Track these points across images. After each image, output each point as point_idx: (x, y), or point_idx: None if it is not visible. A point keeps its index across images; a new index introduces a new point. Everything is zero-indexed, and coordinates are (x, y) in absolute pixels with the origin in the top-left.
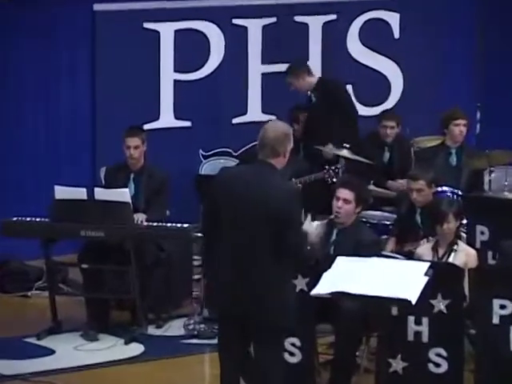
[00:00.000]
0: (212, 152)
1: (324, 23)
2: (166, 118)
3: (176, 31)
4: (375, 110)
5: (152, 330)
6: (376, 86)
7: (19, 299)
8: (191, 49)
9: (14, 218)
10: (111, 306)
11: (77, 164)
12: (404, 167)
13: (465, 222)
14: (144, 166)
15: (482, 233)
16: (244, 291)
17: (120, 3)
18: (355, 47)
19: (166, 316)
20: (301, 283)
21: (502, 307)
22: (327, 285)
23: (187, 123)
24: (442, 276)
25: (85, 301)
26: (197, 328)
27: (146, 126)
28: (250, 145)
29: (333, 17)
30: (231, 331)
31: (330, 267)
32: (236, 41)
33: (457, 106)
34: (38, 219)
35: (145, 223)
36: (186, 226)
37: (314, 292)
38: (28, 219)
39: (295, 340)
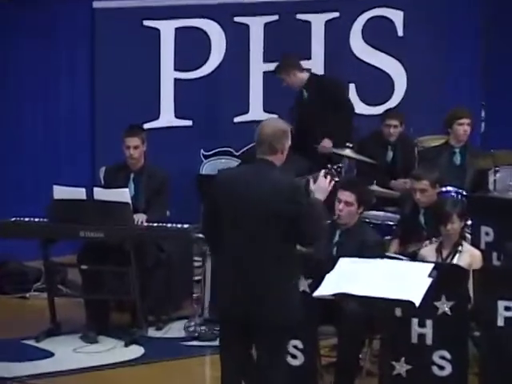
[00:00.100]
0: (213, 151)
1: (326, 21)
2: (167, 117)
3: (176, 29)
4: (378, 109)
5: (152, 332)
6: (379, 85)
7: (17, 301)
8: (192, 47)
9: (13, 219)
10: (111, 308)
11: (76, 164)
12: (407, 167)
13: (469, 222)
14: (144, 165)
15: (487, 234)
16: (244, 291)
17: (120, 1)
18: (358, 45)
19: (167, 318)
20: (303, 284)
21: (507, 309)
22: (330, 286)
23: (188, 122)
24: (446, 277)
25: (84, 302)
26: (197, 330)
27: (146, 125)
28: (252, 144)
29: (335, 14)
30: (232, 333)
31: (332, 268)
32: (237, 39)
33: (461, 105)
34: (36, 219)
35: (145, 224)
36: (186, 226)
37: (316, 293)
38: (26, 219)
39: (297, 342)
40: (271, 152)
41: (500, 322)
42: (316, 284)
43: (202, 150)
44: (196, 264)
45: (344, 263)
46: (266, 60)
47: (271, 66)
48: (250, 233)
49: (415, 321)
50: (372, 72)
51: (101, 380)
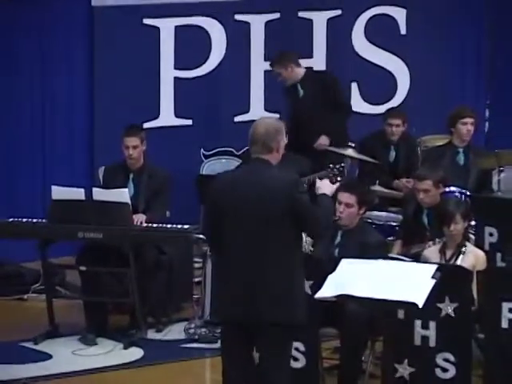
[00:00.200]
0: (213, 151)
1: (328, 19)
2: (166, 117)
3: (176, 27)
4: (381, 108)
5: (152, 334)
6: (382, 84)
7: (15, 302)
8: (192, 45)
9: (10, 219)
10: (110, 310)
11: (74, 164)
12: (410, 167)
13: (473, 223)
14: (144, 165)
15: (491, 234)
16: (245, 291)
17: None
18: (360, 43)
19: (166, 320)
20: (305, 286)
21: None
22: (332, 288)
23: (188, 121)
24: (449, 279)
25: (83, 304)
26: (197, 332)
27: (146, 125)
28: None
29: (337, 12)
30: (234, 334)
31: (334, 270)
32: (238, 37)
33: (465, 104)
34: (34, 220)
35: (144, 224)
36: (186, 227)
37: (318, 295)
38: (24, 220)
39: (299, 344)
40: (266, 151)
41: (504, 324)
42: (318, 285)
43: (202, 150)
44: (196, 265)
45: (346, 264)
46: (267, 58)
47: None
48: (251, 233)
49: (418, 323)
50: (374, 70)
51: (99, 383)
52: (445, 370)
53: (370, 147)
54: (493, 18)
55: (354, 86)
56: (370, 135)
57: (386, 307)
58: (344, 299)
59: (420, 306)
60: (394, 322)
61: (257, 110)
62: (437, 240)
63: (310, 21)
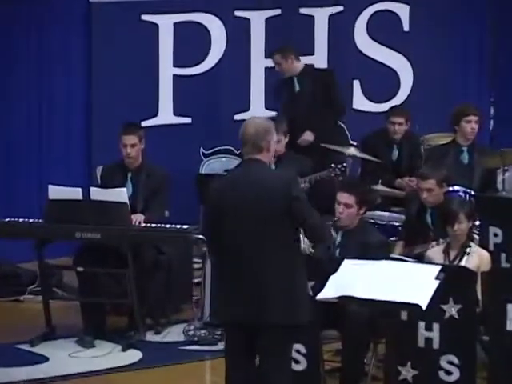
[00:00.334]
0: (213, 150)
1: (330, 15)
2: (165, 115)
3: (175, 24)
4: (384, 106)
5: (150, 336)
6: (384, 81)
7: (11, 304)
8: (191, 42)
9: (7, 219)
10: (108, 311)
11: (72, 163)
12: (413, 165)
13: (477, 223)
14: (142, 164)
15: (496, 234)
16: (245, 292)
17: None
18: (363, 40)
19: (165, 321)
20: None
21: None
22: (334, 289)
23: (187, 120)
24: (453, 280)
25: (80, 306)
26: (197, 334)
27: (144, 123)
28: None
29: (339, 8)
30: (236, 336)
31: (336, 270)
32: (238, 34)
33: (469, 102)
34: (31, 220)
35: (143, 224)
36: (185, 227)
37: (319, 296)
38: (21, 220)
39: (300, 347)
40: (257, 151)
41: (509, 326)
42: (319, 286)
43: (201, 149)
44: (196, 266)
45: (348, 265)
46: (268, 56)
47: (272, 62)
48: (250, 233)
49: (422, 324)
50: (377, 68)
51: None
52: (449, 373)
53: (373, 146)
54: (495, 14)
55: (356, 84)
56: (373, 133)
57: (388, 309)
58: (346, 300)
59: (423, 307)
60: (396, 324)
61: (257, 108)
62: (440, 240)
63: (312, 17)
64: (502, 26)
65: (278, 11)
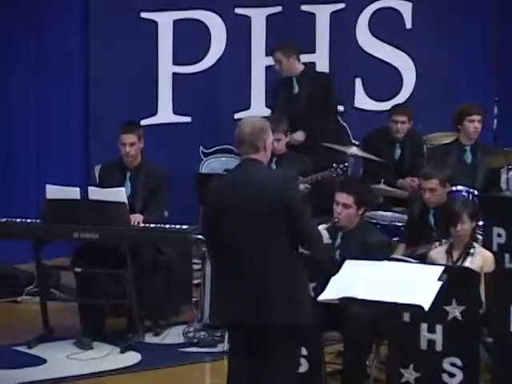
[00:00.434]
0: (213, 149)
1: (332, 12)
2: (164, 114)
3: (175, 21)
4: (386, 105)
5: (149, 338)
6: (387, 79)
7: (8, 305)
8: (191, 40)
9: (3, 219)
10: (106, 313)
11: (69, 162)
12: (415, 165)
13: (481, 223)
14: (141, 163)
15: (499, 235)
16: (245, 292)
17: None
18: (365, 38)
19: (164, 323)
20: None
21: None
22: (335, 290)
23: (187, 119)
24: (456, 281)
25: (78, 307)
26: (197, 336)
27: (143, 122)
28: None
29: (341, 6)
30: (235, 337)
31: (337, 271)
32: (239, 31)
33: (472, 101)
34: (28, 220)
35: (141, 224)
36: (185, 227)
37: (321, 297)
38: (18, 220)
39: (301, 349)
40: (253, 151)
41: None
42: (320, 288)
43: (201, 148)
44: (195, 267)
45: (350, 266)
46: (269, 54)
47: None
48: (250, 232)
49: (424, 326)
50: (379, 66)
51: None
52: (452, 375)
53: (375, 144)
54: (499, 12)
55: (358, 82)
56: (375, 132)
57: (391, 310)
58: (347, 302)
59: (426, 308)
60: (399, 326)
61: (258, 107)
62: (443, 241)
63: (313, 14)
64: (506, 23)
65: (278, 8)
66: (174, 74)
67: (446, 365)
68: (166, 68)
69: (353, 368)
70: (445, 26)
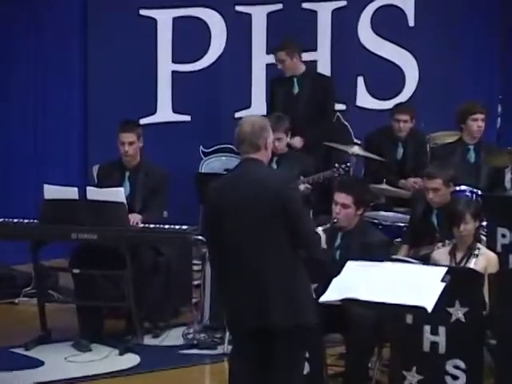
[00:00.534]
0: (213, 148)
1: (333, 10)
2: (164, 112)
3: (174, 19)
4: (388, 104)
5: (148, 340)
6: (389, 78)
7: (6, 307)
8: (191, 38)
9: (1, 220)
10: (105, 314)
11: (68, 161)
12: (418, 164)
13: (485, 223)
14: (140, 163)
15: (504, 235)
16: (246, 293)
17: None
18: (367, 36)
19: (164, 324)
20: None
21: None
22: (337, 291)
23: (186, 117)
24: (460, 282)
25: (76, 308)
26: (197, 337)
27: (142, 121)
28: None
29: (343, 3)
30: (239, 340)
31: (339, 272)
32: (239, 29)
33: (476, 99)
34: (26, 221)
35: (140, 225)
36: (185, 227)
37: (322, 299)
38: (15, 221)
39: None
40: (254, 150)
41: None
42: (322, 289)
43: (201, 147)
44: (195, 268)
45: (352, 267)
46: (269, 52)
47: (274, 58)
48: (250, 232)
49: (427, 328)
50: (381, 64)
51: None
52: (455, 378)
53: (377, 143)
54: (505, 9)
55: (360, 80)
56: (377, 131)
57: (393, 312)
58: (349, 303)
59: (429, 310)
60: (401, 327)
61: (258, 106)
62: (446, 241)
63: (314, 12)
64: (511, 21)
65: (279, 6)
66: (173, 72)
67: (449, 367)
68: (166, 66)
69: (355, 370)
70: (448, 24)
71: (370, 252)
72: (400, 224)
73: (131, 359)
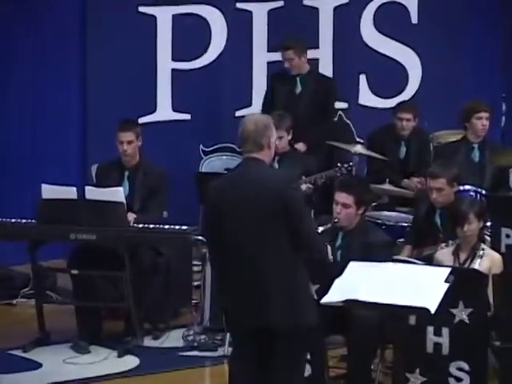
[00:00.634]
0: (213, 147)
1: (335, 7)
2: (164, 111)
3: (174, 16)
4: (391, 102)
5: (148, 342)
6: (392, 76)
7: (3, 308)
8: (191, 35)
9: None
10: (104, 316)
11: (66, 161)
12: (421, 164)
13: (489, 224)
14: (139, 162)
15: (508, 236)
16: (246, 293)
17: None
18: (369, 33)
19: (164, 326)
20: None
21: None
22: (339, 292)
23: (186, 116)
24: (463, 283)
25: (75, 310)
26: (197, 339)
27: (142, 119)
28: None
29: (345, 0)
30: (239, 341)
31: (341, 273)
32: (240, 26)
33: (480, 98)
34: (23, 221)
35: (140, 225)
36: (185, 228)
37: (324, 300)
38: (13, 220)
39: None
40: (258, 149)
41: None
42: (323, 290)
43: (201, 146)
44: (195, 268)
45: (354, 267)
46: (270, 49)
47: (276, 56)
48: (250, 232)
49: (430, 329)
50: (384, 62)
51: None
52: (459, 380)
53: (379, 142)
54: (508, 6)
55: (363, 78)
56: (379, 129)
57: (396, 313)
58: (351, 304)
59: (432, 311)
60: (404, 329)
61: (259, 104)
62: (450, 242)
63: (316, 9)
64: None
65: (280, 3)
66: (173, 70)
67: (452, 369)
68: (165, 64)
69: (357, 372)
70: (452, 21)
71: (372, 252)
72: (403, 224)
73: (130, 361)
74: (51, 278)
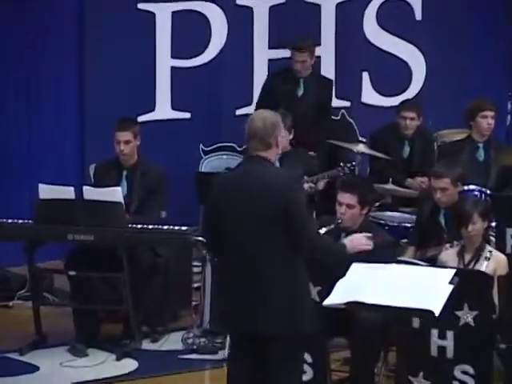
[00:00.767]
0: (214, 147)
1: (338, 3)
2: (163, 109)
3: (173, 12)
4: (394, 100)
5: (147, 345)
6: (395, 73)
7: (0, 310)
8: (190, 32)
9: None
10: (101, 318)
11: (64, 160)
12: (425, 163)
13: (494, 224)
14: (138, 162)
15: None
16: (246, 295)
17: None
18: (372, 30)
19: (163, 329)
20: (312, 292)
21: None
22: (341, 294)
23: (186, 115)
24: (468, 284)
25: (72, 312)
26: (196, 342)
27: (141, 118)
28: None
29: None
30: (237, 344)
31: (343, 275)
32: (240, 23)
33: (485, 96)
34: (20, 221)
35: (139, 226)
36: (184, 228)
37: (326, 302)
38: (10, 221)
39: (306, 356)
40: (265, 147)
41: None
42: (326, 292)
43: (201, 146)
44: (195, 270)
45: (357, 269)
46: (272, 47)
47: (277, 53)
48: (251, 232)
49: (435, 332)
50: (387, 59)
51: None
52: None
53: (383, 141)
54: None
55: (365, 76)
56: (383, 128)
57: (399, 315)
58: (354, 307)
59: (436, 313)
60: (408, 332)
61: None
62: (454, 242)
63: (318, 6)
64: None
65: None
66: (172, 67)
67: (457, 373)
68: (165, 61)
69: (360, 376)
70: (456, 18)
71: (375, 252)
72: (407, 224)
73: (129, 364)
74: (48, 279)
